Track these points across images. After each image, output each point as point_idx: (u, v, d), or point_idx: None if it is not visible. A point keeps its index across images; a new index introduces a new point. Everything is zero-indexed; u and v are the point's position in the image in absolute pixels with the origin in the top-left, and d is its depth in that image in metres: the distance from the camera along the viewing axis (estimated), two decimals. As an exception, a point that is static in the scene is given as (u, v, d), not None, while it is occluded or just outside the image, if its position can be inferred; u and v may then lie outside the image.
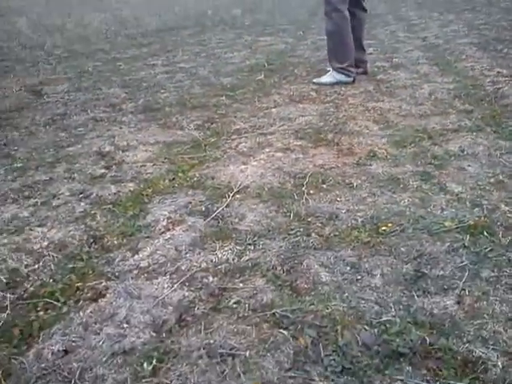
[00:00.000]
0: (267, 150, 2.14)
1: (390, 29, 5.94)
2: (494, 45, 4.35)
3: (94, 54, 5.44)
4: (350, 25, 3.21)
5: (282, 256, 1.32)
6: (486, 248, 1.30)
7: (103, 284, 1.25)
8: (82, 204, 1.73)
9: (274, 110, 2.76)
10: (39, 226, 1.59)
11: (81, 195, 1.80)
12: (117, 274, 1.30)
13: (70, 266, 1.35)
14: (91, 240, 1.48)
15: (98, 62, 4.90)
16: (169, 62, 4.62)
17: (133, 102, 3.18)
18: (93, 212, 1.66)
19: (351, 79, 3.22)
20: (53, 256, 1.40)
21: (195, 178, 1.90)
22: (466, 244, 1.32)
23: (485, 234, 1.37)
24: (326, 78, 3.28)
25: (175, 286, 1.22)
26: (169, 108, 2.96)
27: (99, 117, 2.88)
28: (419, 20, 6.79)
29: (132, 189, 1.82)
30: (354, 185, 1.74)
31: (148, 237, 1.47)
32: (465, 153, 1.98)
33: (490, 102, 2.68)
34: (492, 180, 1.72)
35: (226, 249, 1.37)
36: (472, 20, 6.20)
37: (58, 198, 1.79)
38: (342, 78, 3.21)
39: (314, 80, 3.33)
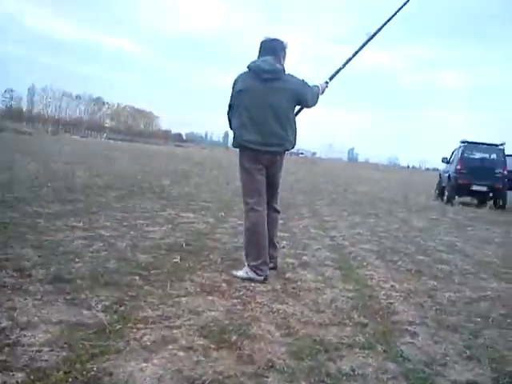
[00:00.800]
0: (170, 346, 2.15)
1: (304, 223, 6.50)
2: (391, 255, 4.88)
3: (15, 204, 5.42)
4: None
5: None
6: None
7: None
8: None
9: (183, 299, 2.83)
10: None
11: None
12: None
13: None
14: None
15: (16, 214, 4.87)
16: (90, 225, 4.69)
17: (44, 268, 3.13)
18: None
19: (262, 278, 3.42)
20: None
21: (92, 372, 1.85)
22: None
23: None
24: (240, 272, 3.47)
25: None
26: (80, 281, 2.95)
27: (3, 282, 2.79)
28: (330, 217, 7.55)
29: (20, 380, 1.73)
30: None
31: None
32: (355, 373, 2.11)
33: (382, 317, 2.93)
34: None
35: None
36: (374, 226, 6.98)
37: None
38: (254, 275, 3.40)
39: (233, 272, 3.51)
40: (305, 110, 3.78)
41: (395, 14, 4.11)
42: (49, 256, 3.43)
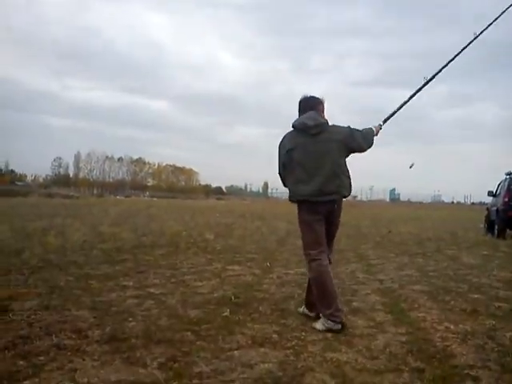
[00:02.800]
0: (226, 401, 2.17)
1: (351, 267, 6.43)
2: (443, 295, 4.73)
3: (68, 267, 5.64)
4: None
5: None
6: None
7: None
8: None
9: (236, 352, 2.85)
10: None
11: None
12: None
13: None
14: None
15: (70, 277, 5.06)
16: (140, 284, 4.82)
17: (100, 328, 3.24)
18: None
19: (339, 326, 3.39)
20: None
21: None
22: None
23: None
24: (318, 325, 3.46)
25: None
26: (134, 339, 3.02)
27: (63, 344, 2.90)
28: (377, 260, 7.42)
29: None
30: None
31: None
32: (416, 421, 2.05)
33: (440, 361, 2.84)
34: None
35: None
36: (423, 266, 6.81)
37: None
38: (331, 325, 3.39)
39: (313, 324, 3.49)
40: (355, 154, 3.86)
41: (454, 58, 4.25)
42: (103, 316, 3.54)
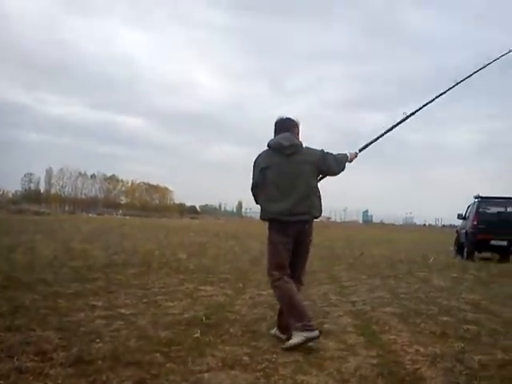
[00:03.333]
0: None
1: (323, 289, 6.43)
2: (413, 317, 4.77)
3: (36, 285, 5.49)
4: None
5: None
6: None
7: None
8: None
9: (206, 374, 2.80)
10: None
11: None
12: None
13: None
14: None
15: (37, 295, 4.93)
16: (110, 304, 4.72)
17: (65, 350, 3.14)
18: None
19: (317, 332, 3.45)
20: None
21: None
22: None
23: None
24: (293, 340, 3.42)
25: None
26: (101, 362, 2.94)
27: (25, 367, 2.79)
28: (350, 282, 7.45)
29: None
30: None
31: None
32: None
33: (410, 384, 2.85)
34: None
35: None
36: (395, 288, 6.87)
37: None
38: (308, 334, 3.41)
39: (283, 346, 3.44)
40: (328, 177, 3.96)
41: (435, 98, 4.43)
42: (70, 337, 3.44)
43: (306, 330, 3.42)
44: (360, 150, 4.12)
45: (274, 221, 3.70)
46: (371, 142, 4.18)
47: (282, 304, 3.68)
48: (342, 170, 3.90)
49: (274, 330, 3.84)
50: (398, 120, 4.30)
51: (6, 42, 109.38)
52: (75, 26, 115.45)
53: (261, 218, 3.82)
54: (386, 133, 4.24)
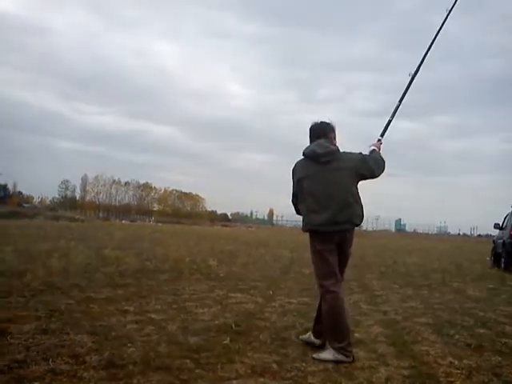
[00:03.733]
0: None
1: (354, 298, 6.34)
2: (447, 328, 4.65)
3: (70, 290, 5.61)
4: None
5: None
6: None
7: None
8: None
9: (234, 381, 2.81)
10: None
11: None
12: None
13: None
14: None
15: (71, 300, 5.04)
16: (141, 309, 4.77)
17: (98, 354, 3.20)
18: None
19: (350, 359, 3.33)
20: None
21: None
22: None
23: None
24: (324, 355, 3.37)
25: None
26: (132, 366, 2.98)
27: (59, 369, 2.86)
28: (381, 291, 7.32)
29: None
30: None
31: None
32: None
33: (444, 398, 2.78)
34: None
35: None
36: (428, 298, 6.72)
37: None
38: (343, 358, 3.32)
39: (314, 355, 3.39)
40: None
41: (431, 44, 4.18)
42: (102, 341, 3.50)
43: (342, 354, 3.33)
44: (382, 135, 3.90)
45: (316, 232, 3.58)
46: (389, 122, 3.97)
47: (327, 319, 3.51)
48: (383, 169, 3.68)
49: (308, 335, 3.79)
50: (406, 84, 4.07)
51: (47, 55, 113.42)
52: (113, 39, 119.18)
53: (303, 229, 3.70)
54: (398, 106, 4.02)
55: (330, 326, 3.48)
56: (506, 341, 4.26)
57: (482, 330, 4.67)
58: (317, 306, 3.76)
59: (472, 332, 4.56)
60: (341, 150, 3.64)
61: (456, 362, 3.48)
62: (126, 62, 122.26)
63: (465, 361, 3.53)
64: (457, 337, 4.30)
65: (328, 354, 3.37)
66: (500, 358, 3.66)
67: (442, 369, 3.32)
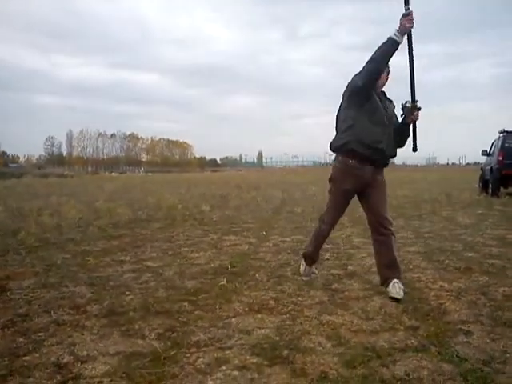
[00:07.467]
0: (224, 367, 2.21)
1: (346, 232, 6.45)
2: (438, 255, 4.79)
3: (65, 245, 5.65)
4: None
5: None
6: None
7: None
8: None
9: (233, 319, 2.89)
10: None
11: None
12: None
13: None
14: None
15: (67, 255, 5.07)
16: (137, 258, 4.83)
17: (98, 303, 3.26)
18: None
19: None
20: None
21: (151, 399, 1.92)
22: None
23: None
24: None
25: None
26: (132, 313, 3.05)
27: (62, 320, 2.92)
28: (372, 224, 7.43)
29: (86, 411, 1.82)
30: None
31: None
32: (410, 377, 2.10)
33: (434, 318, 2.89)
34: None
35: None
36: (419, 228, 6.87)
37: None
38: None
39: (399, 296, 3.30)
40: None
41: None
42: (101, 292, 3.57)
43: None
44: (413, 101, 3.35)
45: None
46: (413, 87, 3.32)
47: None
48: (366, 76, 3.20)
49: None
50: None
51: (17, 9, 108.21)
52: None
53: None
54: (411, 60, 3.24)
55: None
56: (493, 262, 4.40)
57: (470, 254, 4.82)
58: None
59: (461, 256, 4.70)
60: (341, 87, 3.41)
61: (446, 285, 3.61)
62: (100, 11, 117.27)
63: (454, 283, 3.67)
64: (447, 262, 4.44)
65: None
66: (487, 278, 3.81)
67: (433, 292, 3.45)
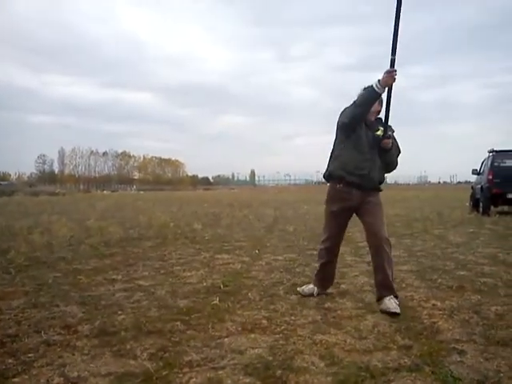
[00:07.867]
0: (217, 389, 2.18)
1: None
2: (430, 274, 4.80)
3: (56, 264, 5.60)
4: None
5: None
6: None
7: None
8: None
9: (226, 339, 2.86)
10: None
11: None
12: None
13: None
14: None
15: (58, 273, 5.03)
16: (129, 277, 4.80)
17: (89, 323, 3.22)
18: None
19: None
20: None
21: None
22: None
23: None
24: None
25: None
26: (124, 332, 3.01)
27: (52, 340, 2.89)
28: (365, 242, 7.41)
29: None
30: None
31: None
32: (405, 397, 2.09)
33: (427, 337, 2.89)
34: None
35: None
36: (411, 246, 6.89)
37: None
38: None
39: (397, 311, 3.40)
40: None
41: None
42: (92, 311, 3.53)
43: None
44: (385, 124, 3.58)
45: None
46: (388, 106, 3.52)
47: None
48: (351, 116, 3.54)
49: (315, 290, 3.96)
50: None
51: (6, 27, 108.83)
52: (75, 5, 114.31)
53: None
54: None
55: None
56: (485, 280, 4.42)
57: (462, 272, 4.83)
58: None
59: (453, 275, 4.71)
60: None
61: (439, 304, 3.61)
62: (94, 31, 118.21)
63: (447, 302, 3.67)
64: (439, 280, 4.45)
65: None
66: (480, 297, 3.82)
67: (426, 311, 3.45)
